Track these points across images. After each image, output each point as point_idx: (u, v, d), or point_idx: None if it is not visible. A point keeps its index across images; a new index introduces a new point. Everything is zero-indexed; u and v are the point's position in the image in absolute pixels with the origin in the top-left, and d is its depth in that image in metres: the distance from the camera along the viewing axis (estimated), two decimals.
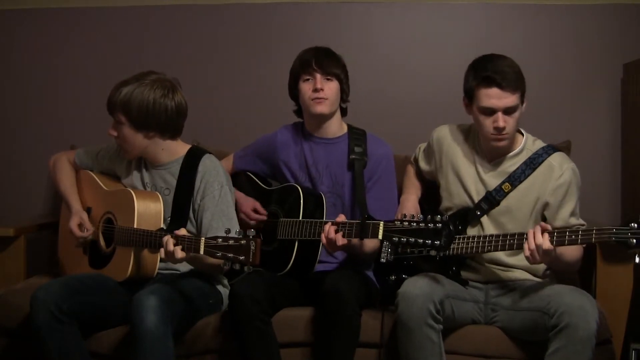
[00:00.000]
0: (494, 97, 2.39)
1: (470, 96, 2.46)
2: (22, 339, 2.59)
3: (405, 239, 2.24)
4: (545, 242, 2.22)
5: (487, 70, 2.40)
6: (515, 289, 2.47)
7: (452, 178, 2.58)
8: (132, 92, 2.49)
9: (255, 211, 2.75)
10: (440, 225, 2.19)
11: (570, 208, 2.46)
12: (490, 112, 2.41)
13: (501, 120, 2.39)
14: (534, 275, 2.51)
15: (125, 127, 2.53)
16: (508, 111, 2.40)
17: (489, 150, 2.52)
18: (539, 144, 2.53)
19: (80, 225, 2.67)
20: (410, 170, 2.81)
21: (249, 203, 2.76)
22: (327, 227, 2.42)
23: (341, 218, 2.44)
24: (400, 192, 2.77)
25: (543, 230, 2.25)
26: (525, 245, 2.26)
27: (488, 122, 2.42)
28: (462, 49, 3.30)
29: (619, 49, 3.31)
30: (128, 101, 2.49)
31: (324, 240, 2.43)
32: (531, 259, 2.27)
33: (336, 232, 2.40)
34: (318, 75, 2.64)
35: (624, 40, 3.32)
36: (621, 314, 2.68)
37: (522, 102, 2.44)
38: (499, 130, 2.41)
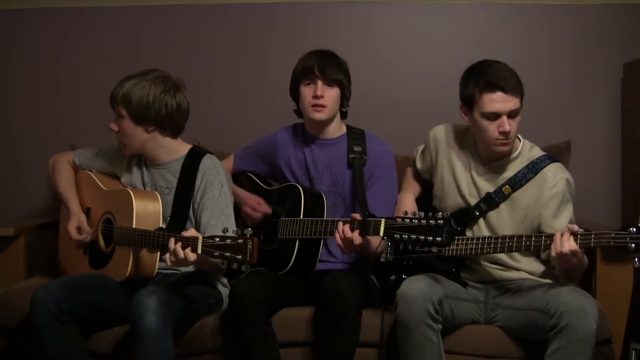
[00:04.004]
0: (498, 101, 2.37)
1: (470, 103, 2.43)
2: (22, 339, 2.59)
3: (406, 236, 2.24)
4: (570, 243, 2.20)
5: (488, 75, 2.38)
6: (515, 288, 2.47)
7: (447, 179, 2.58)
8: (133, 86, 2.52)
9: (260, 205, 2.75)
10: (441, 221, 2.19)
11: (566, 218, 2.44)
12: (495, 116, 2.39)
13: (506, 124, 2.38)
14: (534, 275, 2.50)
15: (126, 121, 2.55)
16: (512, 114, 2.39)
17: (488, 155, 2.51)
18: (537, 152, 2.52)
19: (79, 228, 2.68)
20: (409, 171, 2.81)
21: (254, 197, 2.76)
22: (340, 226, 2.41)
23: (355, 217, 2.42)
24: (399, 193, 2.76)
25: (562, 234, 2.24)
26: (553, 247, 2.24)
27: (492, 127, 2.40)
28: (462, 49, 3.33)
29: (619, 49, 3.31)
30: (128, 94, 2.52)
31: (338, 241, 2.42)
32: (561, 261, 2.25)
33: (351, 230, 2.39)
34: (319, 82, 2.63)
35: (624, 40, 3.32)
36: (621, 314, 2.68)
37: (521, 105, 2.44)
38: (505, 134, 2.39)
